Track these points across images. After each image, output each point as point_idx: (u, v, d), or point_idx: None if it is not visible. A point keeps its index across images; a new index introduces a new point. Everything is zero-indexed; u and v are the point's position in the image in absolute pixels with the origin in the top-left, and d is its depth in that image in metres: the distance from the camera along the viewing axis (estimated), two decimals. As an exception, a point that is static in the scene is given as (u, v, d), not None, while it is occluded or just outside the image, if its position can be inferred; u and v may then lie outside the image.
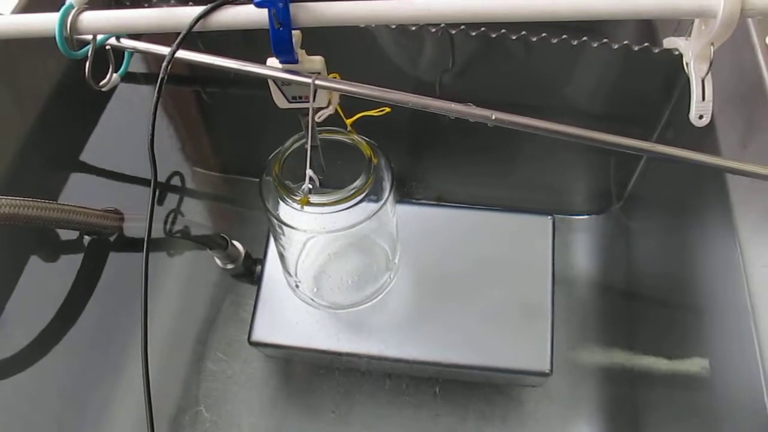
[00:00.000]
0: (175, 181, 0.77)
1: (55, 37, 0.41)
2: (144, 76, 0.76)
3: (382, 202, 0.54)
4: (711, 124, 0.45)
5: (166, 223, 0.67)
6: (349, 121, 0.49)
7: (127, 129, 0.73)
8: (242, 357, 0.71)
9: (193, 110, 0.87)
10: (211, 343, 0.72)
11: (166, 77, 0.40)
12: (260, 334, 0.63)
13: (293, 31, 0.39)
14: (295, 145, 0.53)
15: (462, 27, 0.65)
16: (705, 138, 0.55)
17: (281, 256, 0.62)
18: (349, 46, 0.62)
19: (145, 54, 0.45)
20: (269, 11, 0.37)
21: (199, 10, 0.40)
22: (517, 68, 0.69)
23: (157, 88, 0.40)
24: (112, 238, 0.64)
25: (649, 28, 0.72)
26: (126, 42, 0.45)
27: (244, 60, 0.43)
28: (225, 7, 0.40)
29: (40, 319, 0.60)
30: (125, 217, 0.62)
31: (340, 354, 0.62)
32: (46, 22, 0.41)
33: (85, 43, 0.43)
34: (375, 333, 0.63)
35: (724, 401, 0.51)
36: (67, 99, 0.66)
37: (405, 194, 0.79)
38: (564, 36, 0.64)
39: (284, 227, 0.54)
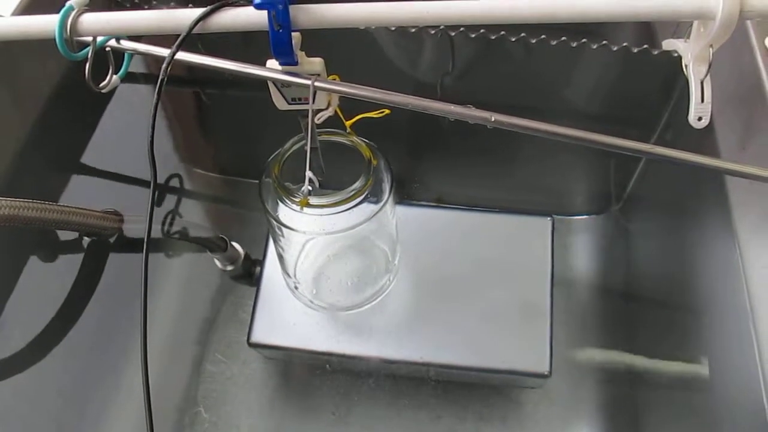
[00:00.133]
0: (175, 182, 0.77)
1: (55, 39, 0.41)
2: (144, 77, 0.76)
3: (381, 203, 0.54)
4: (710, 126, 0.45)
5: (165, 224, 0.67)
6: (348, 123, 0.49)
7: (127, 130, 0.73)
8: (241, 358, 0.71)
9: (193, 112, 0.87)
10: (211, 345, 0.72)
11: (165, 79, 0.40)
12: (259, 335, 0.63)
13: (293, 33, 0.39)
14: (295, 147, 0.53)
15: (461, 29, 0.65)
16: (704, 139, 0.55)
17: (280, 258, 0.62)
18: (348, 48, 0.62)
19: (145, 55, 0.45)
20: (269, 13, 0.37)
21: (198, 11, 0.40)
22: (517, 70, 0.69)
23: (156, 90, 0.40)
24: (111, 240, 0.64)
25: (648, 30, 0.72)
26: (126, 44, 0.45)
27: (244, 62, 0.43)
28: (225, 9, 0.40)
29: (40, 320, 0.60)
30: (125, 219, 0.62)
31: (339, 355, 0.62)
32: (47, 23, 0.41)
33: (85, 44, 0.43)
34: (374, 334, 0.63)
35: (723, 402, 0.51)
36: (67, 100, 0.66)
37: (404, 196, 0.79)
38: (563, 38, 0.64)
39: (283, 229, 0.54)
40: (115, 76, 0.48)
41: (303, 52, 0.42)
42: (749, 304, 0.47)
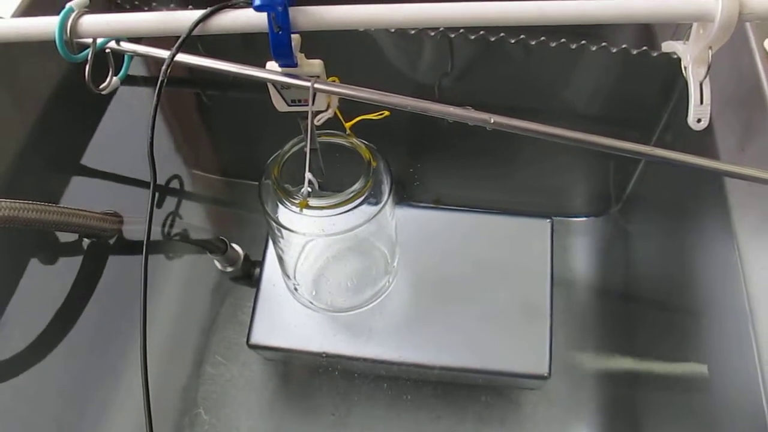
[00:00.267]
0: (174, 183, 0.77)
1: (55, 41, 0.41)
2: (144, 78, 0.76)
3: (381, 205, 0.54)
4: (709, 128, 0.45)
5: (165, 226, 0.67)
6: (348, 125, 0.49)
7: (127, 132, 0.73)
8: (241, 360, 0.71)
9: (193, 113, 0.87)
10: (210, 346, 0.72)
11: (165, 81, 0.40)
12: (259, 336, 0.63)
13: (292, 35, 0.39)
14: (295, 149, 0.53)
15: (461, 30, 0.65)
16: (703, 141, 0.55)
17: (280, 259, 0.62)
18: (348, 50, 0.62)
19: (145, 57, 0.45)
20: (268, 15, 0.37)
21: (198, 13, 0.40)
22: (516, 72, 0.69)
23: (156, 92, 0.40)
24: (111, 241, 0.64)
25: (647, 31, 0.72)
26: (126, 45, 0.45)
27: (244, 63, 0.43)
28: (224, 11, 0.40)
29: (40, 322, 0.60)
30: (124, 220, 0.62)
31: (338, 356, 0.62)
32: (47, 25, 0.41)
33: (85, 46, 0.43)
34: (374, 336, 0.63)
35: (722, 403, 0.51)
36: (67, 102, 0.67)
37: (404, 197, 0.79)
38: (563, 39, 0.64)
39: (283, 230, 0.54)
40: (115, 78, 0.48)
41: (302, 54, 0.42)
42: (748, 306, 0.47)
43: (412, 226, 0.68)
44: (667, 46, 0.46)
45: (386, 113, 0.47)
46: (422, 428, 0.67)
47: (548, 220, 0.69)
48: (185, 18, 0.40)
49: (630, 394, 0.68)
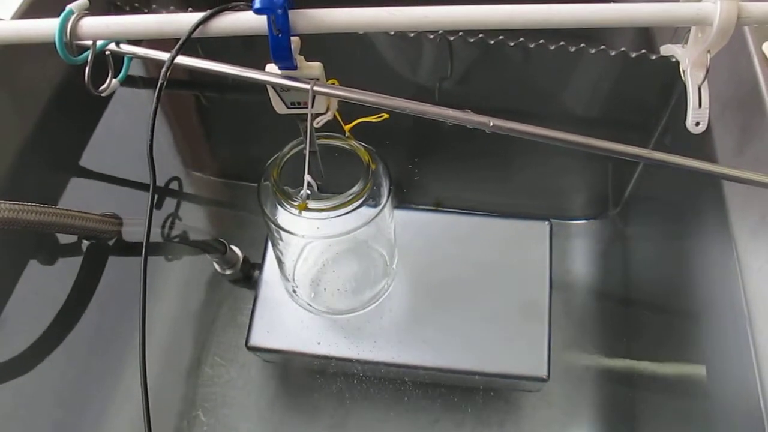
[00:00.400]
0: (174, 185, 0.77)
1: (55, 43, 0.41)
2: (143, 80, 0.76)
3: (380, 207, 0.54)
4: (708, 131, 0.45)
5: (164, 227, 0.67)
6: (347, 127, 0.49)
7: (126, 133, 0.73)
8: (240, 362, 0.71)
9: (192, 115, 0.87)
10: (209, 348, 0.72)
11: (165, 83, 0.40)
12: (258, 339, 0.63)
13: (292, 38, 0.39)
14: (294, 151, 0.53)
15: (460, 33, 0.65)
16: (702, 144, 0.56)
17: (279, 261, 0.62)
18: (347, 53, 0.63)
19: (145, 59, 0.45)
20: (268, 18, 0.38)
21: (198, 16, 0.40)
22: (515, 74, 0.69)
23: (156, 94, 0.40)
24: (110, 243, 0.64)
25: (646, 35, 0.72)
26: (125, 47, 0.45)
27: (244, 66, 0.43)
28: (224, 14, 0.40)
29: (39, 323, 0.60)
30: (124, 222, 0.62)
31: (337, 359, 0.62)
32: (47, 27, 0.41)
33: (85, 48, 0.43)
34: (372, 338, 0.63)
35: (720, 406, 0.51)
36: (67, 103, 0.67)
37: (403, 200, 0.79)
38: (562, 42, 0.64)
39: (282, 232, 0.54)
40: (114, 80, 0.48)
41: (302, 57, 0.42)
42: (746, 308, 0.47)
43: (411, 229, 0.68)
44: (666, 50, 0.46)
45: (385, 116, 0.47)
46: (421, 430, 0.67)
47: (547, 223, 0.69)
48: (185, 20, 0.40)
49: (628, 396, 0.68)
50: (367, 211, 0.53)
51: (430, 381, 0.68)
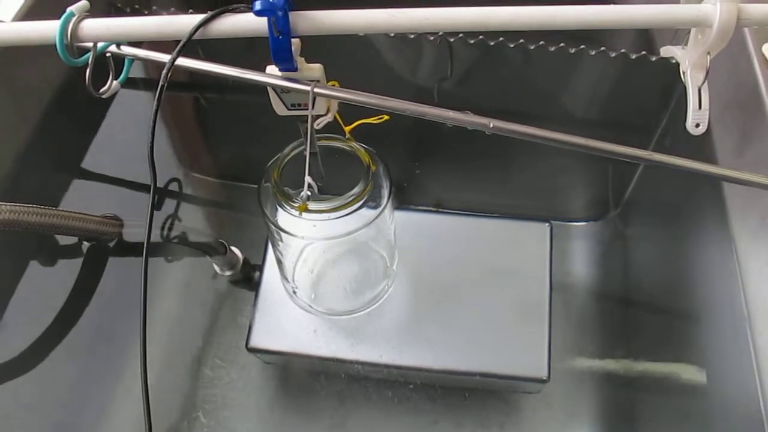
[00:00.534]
0: (174, 186, 0.77)
1: (56, 45, 0.41)
2: (144, 82, 0.77)
3: (380, 209, 0.54)
4: (708, 133, 0.45)
5: (164, 229, 0.67)
6: (347, 128, 0.49)
7: (127, 135, 0.73)
8: (240, 363, 0.71)
9: (193, 116, 0.87)
10: (210, 349, 0.72)
11: (166, 85, 0.40)
12: (258, 340, 0.63)
13: (293, 40, 0.39)
14: (294, 152, 0.53)
15: (460, 35, 0.65)
16: (702, 146, 0.56)
17: (279, 262, 0.63)
18: (348, 54, 0.63)
19: (145, 61, 0.45)
20: (269, 20, 0.38)
21: (199, 18, 0.40)
22: (516, 76, 0.69)
23: (156, 96, 0.40)
24: (111, 244, 0.64)
25: (646, 36, 0.72)
26: (126, 49, 0.45)
27: (244, 67, 0.43)
28: (225, 16, 0.40)
29: (39, 324, 0.60)
30: (124, 224, 0.62)
31: (337, 360, 0.62)
32: (47, 29, 0.41)
33: (86, 50, 0.43)
34: (372, 339, 0.63)
35: (720, 407, 0.51)
36: (68, 105, 0.67)
37: (403, 201, 0.79)
38: (562, 44, 0.64)
39: (282, 233, 0.54)
40: (115, 82, 0.48)
41: (302, 58, 0.42)
42: (746, 310, 0.47)
43: (411, 230, 0.68)
44: (666, 51, 0.46)
45: (386, 117, 0.47)
46: (421, 431, 0.67)
47: (547, 224, 0.69)
48: (185, 22, 0.40)
49: (628, 398, 0.68)
50: (367, 213, 0.53)
51: (430, 382, 0.68)
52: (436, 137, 0.78)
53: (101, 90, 0.46)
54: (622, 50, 0.64)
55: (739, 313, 0.48)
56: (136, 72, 0.76)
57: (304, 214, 0.50)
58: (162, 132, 0.82)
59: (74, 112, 0.69)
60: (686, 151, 0.45)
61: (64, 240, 0.64)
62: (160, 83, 0.40)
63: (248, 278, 0.74)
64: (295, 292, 0.64)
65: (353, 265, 0.65)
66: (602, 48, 0.64)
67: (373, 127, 0.49)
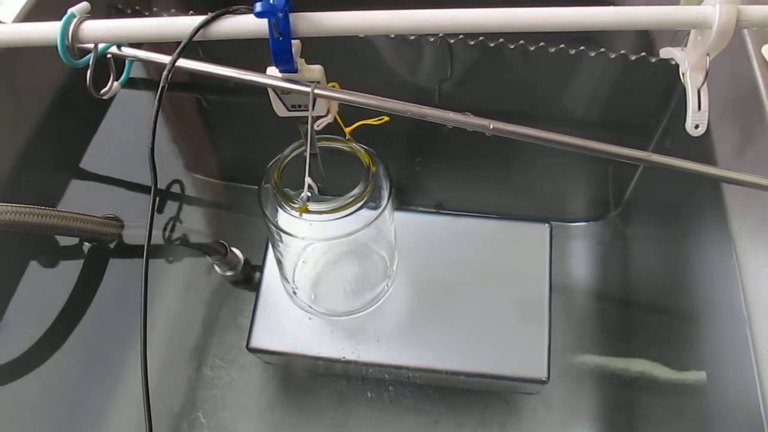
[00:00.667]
0: (175, 188, 0.77)
1: (56, 46, 0.41)
2: (144, 83, 0.77)
3: (380, 209, 0.54)
4: (707, 134, 0.45)
5: (165, 230, 0.67)
6: (348, 130, 0.50)
7: (128, 136, 0.73)
8: (240, 363, 0.71)
9: (193, 117, 0.87)
10: (210, 350, 0.72)
11: (166, 86, 0.40)
12: (259, 340, 0.63)
13: (293, 41, 0.39)
14: (294, 153, 0.54)
15: (460, 36, 0.65)
16: (702, 147, 0.56)
17: (279, 263, 0.63)
18: (348, 55, 0.63)
19: (146, 62, 0.46)
20: (269, 21, 0.38)
21: (199, 19, 0.40)
22: (515, 77, 0.69)
23: (157, 98, 0.40)
24: (111, 245, 0.64)
25: (646, 37, 0.72)
26: (127, 50, 0.45)
27: (244, 68, 0.43)
28: (225, 17, 0.40)
29: (40, 325, 0.60)
30: (125, 225, 0.62)
31: (337, 360, 0.62)
32: (48, 31, 0.41)
33: (87, 51, 0.43)
34: (372, 340, 0.63)
35: (719, 407, 0.51)
36: (68, 106, 0.67)
37: (403, 202, 0.79)
38: (562, 45, 0.64)
39: (282, 234, 0.54)
40: (116, 83, 0.48)
41: (303, 60, 0.42)
42: (746, 310, 0.48)
43: (411, 231, 0.68)
44: (666, 53, 0.46)
45: (386, 118, 0.47)
46: (421, 432, 0.67)
47: (547, 225, 0.69)
48: (186, 24, 0.40)
49: (628, 398, 0.69)
50: (367, 213, 0.53)
51: (430, 382, 0.68)
52: (436, 138, 0.78)
53: (102, 91, 0.46)
54: (622, 51, 0.64)
55: (739, 313, 0.48)
56: (137, 73, 0.76)
57: (305, 215, 0.50)
58: (163, 133, 0.82)
59: (75, 112, 0.69)
60: (686, 152, 0.45)
61: (64, 241, 0.64)
62: (161, 84, 0.40)
63: (249, 279, 0.74)
64: (295, 293, 0.64)
65: (353, 266, 0.66)
66: (602, 49, 0.64)
67: (373, 128, 0.49)
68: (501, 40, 0.65)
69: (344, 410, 0.68)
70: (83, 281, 0.64)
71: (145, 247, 0.41)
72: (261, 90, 0.44)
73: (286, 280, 0.64)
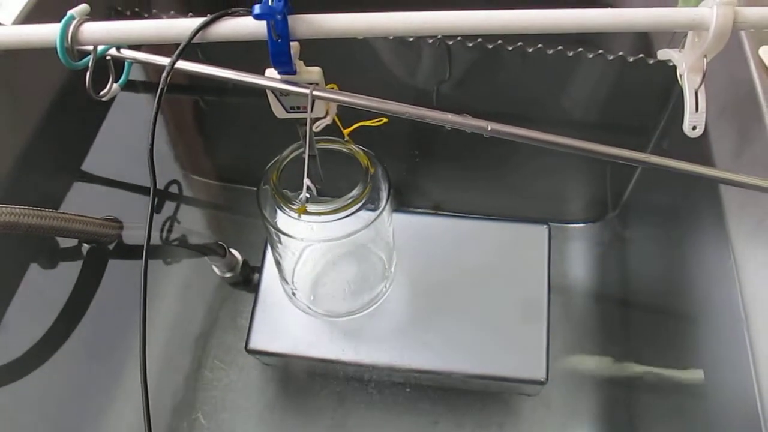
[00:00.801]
0: (174, 189, 0.77)
1: (56, 48, 0.41)
2: (143, 85, 0.77)
3: (379, 211, 0.54)
4: (705, 135, 0.45)
5: (164, 231, 0.67)
6: (346, 131, 0.50)
7: (127, 138, 0.73)
8: (239, 365, 0.71)
9: (192, 118, 0.87)
10: (209, 351, 0.72)
11: (165, 88, 0.40)
12: (258, 342, 0.63)
13: (292, 43, 0.39)
14: (293, 155, 0.54)
15: (459, 38, 0.65)
16: (699, 148, 0.56)
17: (278, 264, 0.63)
18: (346, 57, 0.63)
19: (145, 64, 0.46)
20: (268, 23, 0.38)
21: (198, 21, 0.40)
22: (514, 79, 0.69)
23: (156, 99, 0.40)
24: (111, 247, 0.64)
25: (644, 39, 0.72)
26: (126, 52, 0.45)
27: (243, 70, 0.44)
28: (224, 19, 0.40)
29: (40, 326, 0.60)
30: (124, 226, 0.62)
31: (336, 362, 0.62)
32: (48, 33, 0.42)
33: (86, 53, 0.43)
34: (371, 341, 0.63)
35: (718, 408, 0.51)
36: (68, 108, 0.67)
37: (402, 203, 0.79)
38: (560, 47, 0.64)
39: (281, 235, 0.55)
40: (115, 85, 0.48)
41: (301, 61, 0.42)
42: (743, 311, 0.48)
43: (409, 232, 0.68)
44: (663, 54, 0.47)
45: (384, 120, 0.47)
46: (420, 433, 0.67)
47: (545, 226, 0.69)
48: (185, 26, 0.40)
49: (627, 399, 0.69)
50: (366, 215, 0.53)
51: (430, 383, 0.68)
52: (435, 139, 0.79)
53: (101, 93, 0.47)
54: (620, 53, 0.64)
55: (737, 314, 0.48)
56: (136, 75, 0.76)
57: (303, 217, 0.50)
58: (162, 134, 0.82)
59: (74, 114, 0.69)
60: (684, 153, 0.45)
61: (64, 242, 0.64)
62: (160, 86, 0.40)
63: (248, 280, 0.74)
64: (294, 294, 0.64)
65: (352, 267, 0.66)
66: (600, 51, 0.64)
67: (372, 130, 0.49)
68: (499, 41, 0.65)
69: (343, 411, 0.68)
70: (83, 282, 0.64)
71: (145, 249, 0.41)
72: (260, 92, 0.44)
73: (285, 281, 0.64)
